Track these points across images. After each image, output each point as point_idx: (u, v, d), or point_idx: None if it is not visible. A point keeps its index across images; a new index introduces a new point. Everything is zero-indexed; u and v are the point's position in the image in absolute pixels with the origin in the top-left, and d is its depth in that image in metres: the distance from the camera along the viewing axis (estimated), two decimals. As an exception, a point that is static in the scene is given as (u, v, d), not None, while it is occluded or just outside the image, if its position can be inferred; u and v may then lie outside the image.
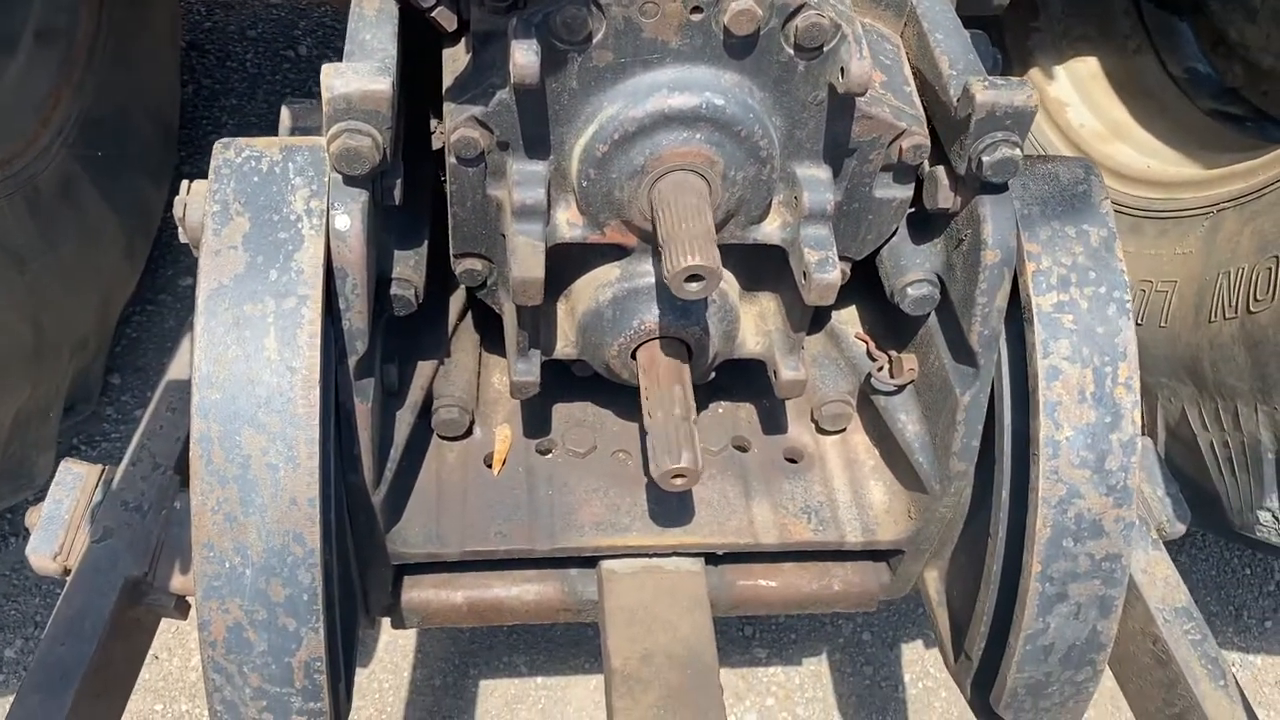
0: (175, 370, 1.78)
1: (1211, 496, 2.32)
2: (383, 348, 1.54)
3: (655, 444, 1.47)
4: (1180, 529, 1.81)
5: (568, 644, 2.63)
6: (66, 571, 1.61)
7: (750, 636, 2.71)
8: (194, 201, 1.43)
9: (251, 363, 1.27)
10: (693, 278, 1.32)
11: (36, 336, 2.37)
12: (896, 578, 1.80)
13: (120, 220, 2.82)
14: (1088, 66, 3.10)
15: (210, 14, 4.03)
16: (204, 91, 3.75)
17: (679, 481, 1.46)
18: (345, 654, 1.57)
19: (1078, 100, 3.05)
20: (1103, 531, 1.43)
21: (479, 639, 2.63)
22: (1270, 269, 2.05)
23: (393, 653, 2.59)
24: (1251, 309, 2.09)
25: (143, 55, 3.09)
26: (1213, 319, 2.21)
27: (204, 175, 1.40)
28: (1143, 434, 2.34)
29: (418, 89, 1.59)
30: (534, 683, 2.58)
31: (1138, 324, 2.43)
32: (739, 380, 1.81)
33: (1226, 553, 3.04)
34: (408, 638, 2.61)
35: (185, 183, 1.45)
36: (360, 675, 2.54)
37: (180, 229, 1.46)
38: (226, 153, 1.36)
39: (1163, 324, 2.37)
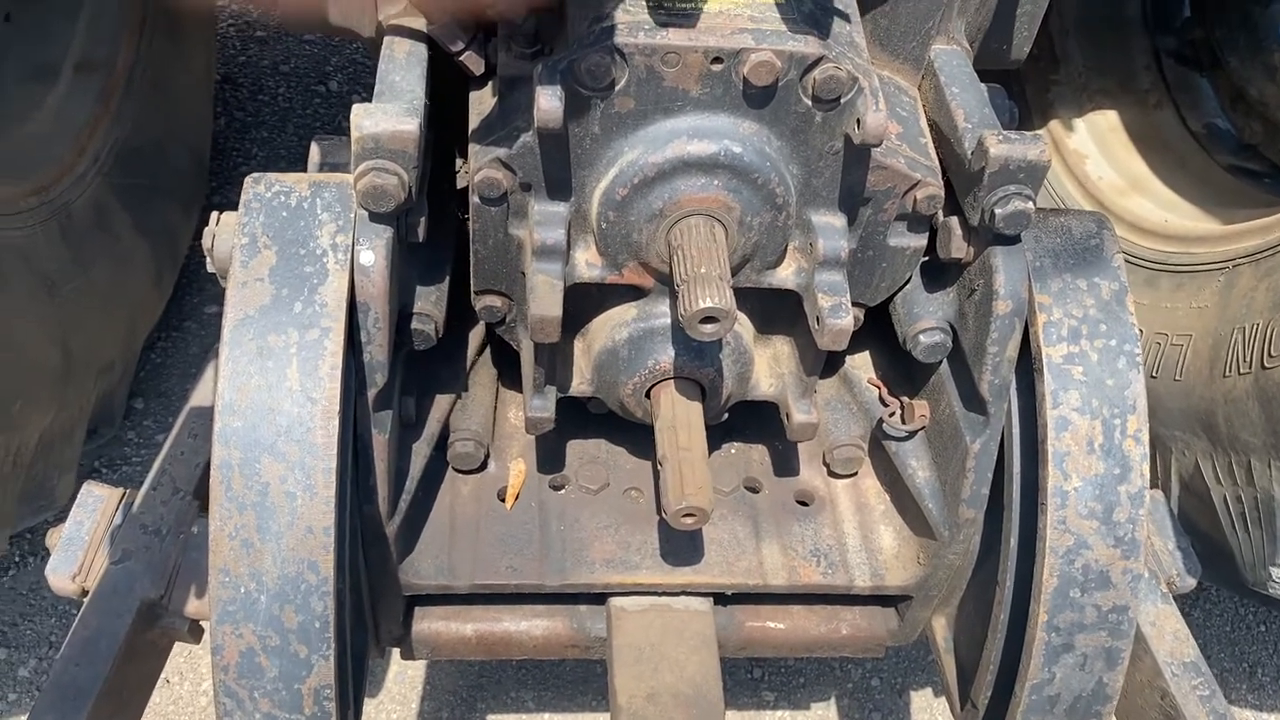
0: (198, 397, 1.81)
1: (1225, 552, 2.31)
2: (402, 380, 1.57)
3: (667, 483, 1.49)
4: (1191, 583, 1.81)
5: (576, 681, 2.63)
6: (84, 592, 1.63)
7: (759, 679, 2.70)
8: (223, 233, 1.47)
9: (273, 392, 1.30)
10: (707, 319, 1.34)
11: (65, 359, 2.42)
12: (904, 624, 1.80)
13: (150, 247, 2.88)
14: (1107, 120, 3.13)
15: (244, 48, 4.11)
16: (235, 124, 3.83)
17: (690, 521, 1.48)
18: (355, 683, 1.58)
19: (1097, 153, 3.07)
20: (1110, 583, 1.43)
21: (487, 673, 2.63)
22: (1285, 325, 2.06)
23: (401, 684, 2.60)
24: (1266, 365, 2.10)
25: (178, 87, 3.17)
26: (1227, 373, 2.21)
27: (234, 206, 1.44)
28: (1154, 487, 2.34)
29: (443, 129, 1.63)
30: (541, 719, 2.58)
31: (1152, 376, 2.45)
32: (752, 422, 1.83)
33: (1241, 609, 3.01)
34: (416, 669, 2.62)
35: (215, 214, 1.49)
36: (368, 706, 2.54)
37: (208, 259, 1.49)
38: (257, 187, 1.40)
39: (1177, 377, 2.38)
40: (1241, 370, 2.17)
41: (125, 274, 2.75)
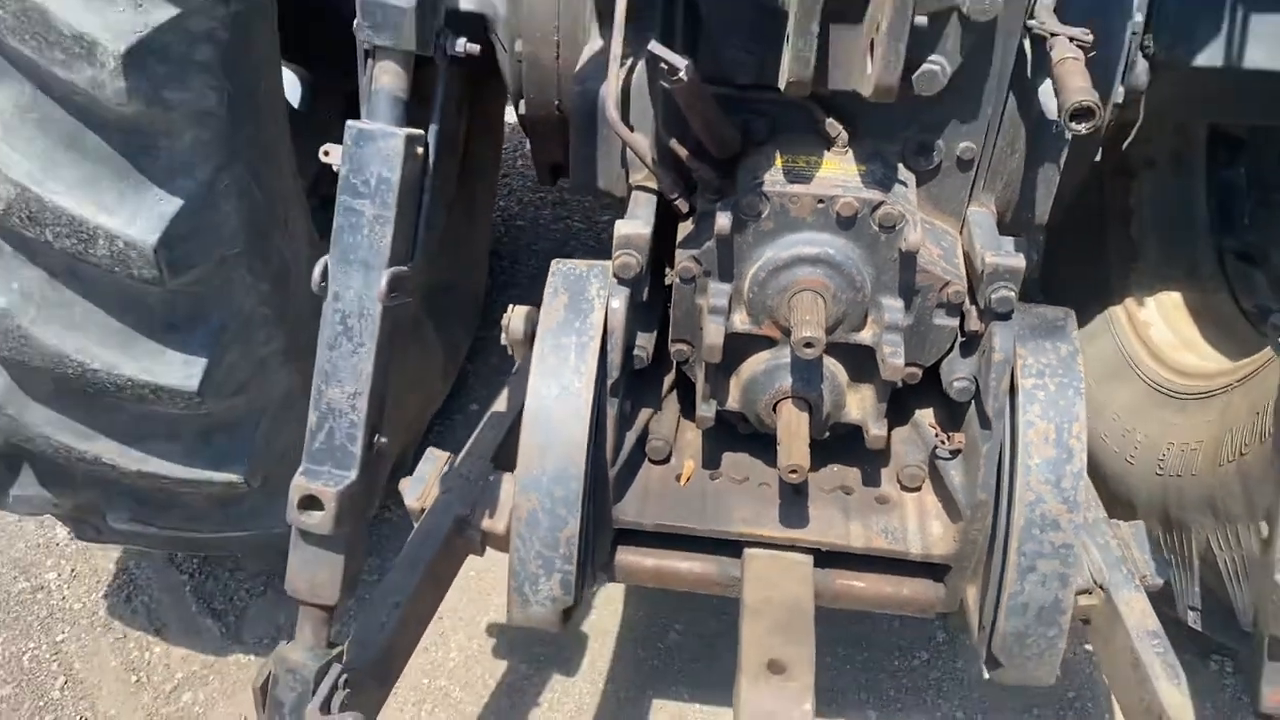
0: (497, 405, 2.88)
1: (1230, 609, 2.96)
2: (623, 391, 2.58)
3: (781, 453, 2.40)
4: (1159, 582, 2.54)
5: (720, 684, 3.42)
6: (422, 510, 2.66)
7: (864, 701, 3.43)
8: (515, 319, 2.58)
9: (561, 369, 2.34)
10: (807, 344, 2.30)
11: (396, 404, 3.55)
12: (949, 592, 2.59)
13: (443, 352, 4.07)
14: (1172, 298, 3.95)
15: (508, 232, 5.47)
16: (498, 283, 5.10)
17: (794, 475, 2.37)
18: (582, 572, 2.51)
19: (1160, 321, 3.88)
20: (1059, 527, 2.24)
21: (657, 670, 3.47)
22: (1252, 423, 2.81)
23: (590, 670, 3.47)
24: (1243, 453, 2.84)
25: (468, 250, 4.46)
26: (1222, 464, 2.95)
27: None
28: (1178, 563, 3.04)
29: (660, 249, 2.70)
30: (692, 708, 3.38)
31: (1176, 476, 3.19)
32: (849, 451, 2.73)
33: (1294, 706, 3.51)
34: (603, 661, 3.49)
35: (511, 306, 2.61)
36: (564, 680, 3.43)
37: (503, 334, 2.60)
38: (559, 266, 2.49)
39: (1193, 474, 3.11)
40: (1230, 459, 2.90)
41: (426, 365, 3.93)
